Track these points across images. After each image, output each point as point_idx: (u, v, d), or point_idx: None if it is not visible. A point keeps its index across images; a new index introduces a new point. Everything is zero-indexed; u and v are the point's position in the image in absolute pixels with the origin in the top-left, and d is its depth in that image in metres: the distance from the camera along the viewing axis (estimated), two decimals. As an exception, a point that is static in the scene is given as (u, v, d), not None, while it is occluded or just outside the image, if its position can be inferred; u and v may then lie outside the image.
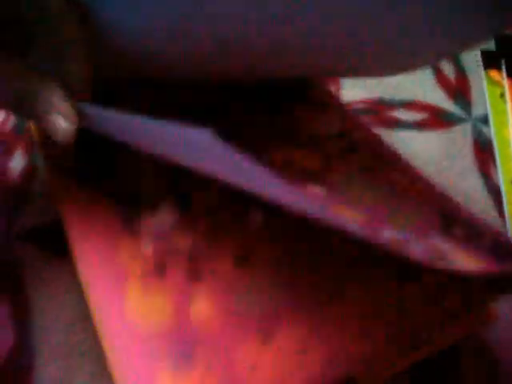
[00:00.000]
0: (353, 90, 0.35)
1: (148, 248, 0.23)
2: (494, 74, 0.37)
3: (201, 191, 0.26)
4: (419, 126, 0.34)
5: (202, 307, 0.21)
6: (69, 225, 0.24)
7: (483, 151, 0.33)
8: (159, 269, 0.23)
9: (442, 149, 0.33)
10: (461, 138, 0.34)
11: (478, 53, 0.39)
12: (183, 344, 0.20)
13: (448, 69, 0.38)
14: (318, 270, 0.22)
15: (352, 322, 0.21)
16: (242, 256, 0.23)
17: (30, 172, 0.31)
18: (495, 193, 0.31)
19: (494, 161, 0.33)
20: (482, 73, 0.37)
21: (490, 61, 0.38)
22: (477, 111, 0.36)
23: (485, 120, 0.35)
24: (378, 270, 0.22)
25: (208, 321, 0.21)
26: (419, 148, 0.33)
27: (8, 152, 0.32)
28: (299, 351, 0.20)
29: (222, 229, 0.24)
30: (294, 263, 0.23)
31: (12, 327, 0.25)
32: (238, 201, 0.25)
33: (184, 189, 0.26)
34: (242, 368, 0.19)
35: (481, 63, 0.38)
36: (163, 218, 0.24)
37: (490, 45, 0.40)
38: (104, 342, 0.21)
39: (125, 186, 0.26)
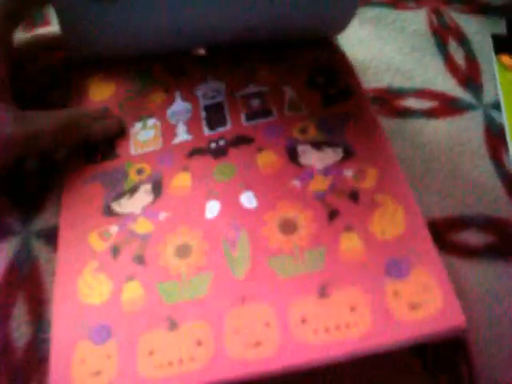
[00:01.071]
0: (361, 79, 0.35)
1: (114, 230, 0.26)
2: (505, 59, 0.36)
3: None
4: (429, 114, 0.34)
5: (134, 289, 0.24)
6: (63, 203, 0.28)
7: (495, 138, 0.33)
8: (115, 251, 0.25)
9: (453, 136, 0.33)
10: (472, 124, 0.34)
11: (489, 37, 0.38)
12: (106, 321, 0.23)
13: (458, 55, 0.38)
14: None
15: None
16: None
17: (44, 174, 0.31)
18: (507, 180, 0.31)
19: (506, 147, 0.32)
20: (494, 58, 0.36)
21: (501, 45, 0.37)
22: (488, 97, 0.35)
23: (496, 106, 0.34)
24: None
25: (132, 302, 0.24)
26: (430, 136, 0.33)
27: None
28: None
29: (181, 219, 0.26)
30: None
31: (29, 322, 0.26)
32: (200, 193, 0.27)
33: (160, 177, 0.28)
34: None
35: (492, 48, 0.37)
36: (137, 202, 0.27)
37: (502, 29, 0.39)
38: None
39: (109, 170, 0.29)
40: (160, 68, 0.33)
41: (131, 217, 0.26)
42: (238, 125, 0.29)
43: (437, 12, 0.40)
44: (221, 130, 0.29)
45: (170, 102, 0.31)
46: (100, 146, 0.30)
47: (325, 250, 0.24)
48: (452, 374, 0.24)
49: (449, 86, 0.36)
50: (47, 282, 0.27)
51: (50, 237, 0.28)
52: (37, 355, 0.24)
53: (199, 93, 0.31)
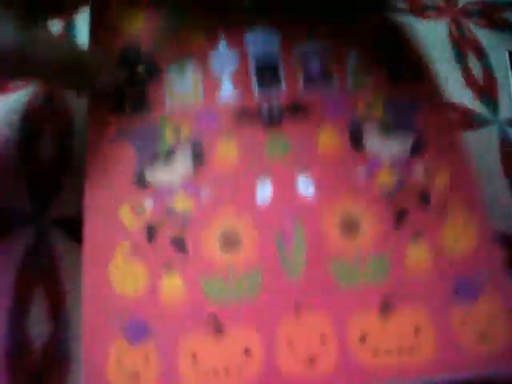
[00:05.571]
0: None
1: (149, 204, 0.22)
2: (521, 76, 0.36)
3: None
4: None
5: (173, 280, 0.20)
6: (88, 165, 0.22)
7: (510, 155, 0.32)
8: (150, 231, 0.21)
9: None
10: (487, 140, 0.33)
11: (506, 53, 0.38)
12: (143, 318, 0.20)
13: (476, 69, 0.37)
14: None
15: None
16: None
17: (61, 158, 0.27)
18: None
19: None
20: (510, 74, 0.36)
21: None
22: (504, 113, 0.35)
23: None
24: None
25: (172, 296, 0.20)
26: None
27: (36, 136, 0.28)
28: None
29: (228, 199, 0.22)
30: None
31: (48, 319, 0.23)
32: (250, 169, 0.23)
33: (201, 141, 0.23)
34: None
35: (509, 64, 0.37)
36: (175, 171, 0.22)
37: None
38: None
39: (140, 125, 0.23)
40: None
41: (168, 190, 0.22)
42: (294, 89, 0.24)
43: (456, 22, 0.39)
44: (274, 91, 0.24)
45: (213, 47, 0.25)
46: (127, 91, 0.24)
47: (389, 258, 0.21)
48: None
49: (466, 99, 0.35)
50: (66, 277, 0.24)
51: (67, 227, 0.25)
52: (57, 355, 0.22)
53: (248, 40, 0.26)
